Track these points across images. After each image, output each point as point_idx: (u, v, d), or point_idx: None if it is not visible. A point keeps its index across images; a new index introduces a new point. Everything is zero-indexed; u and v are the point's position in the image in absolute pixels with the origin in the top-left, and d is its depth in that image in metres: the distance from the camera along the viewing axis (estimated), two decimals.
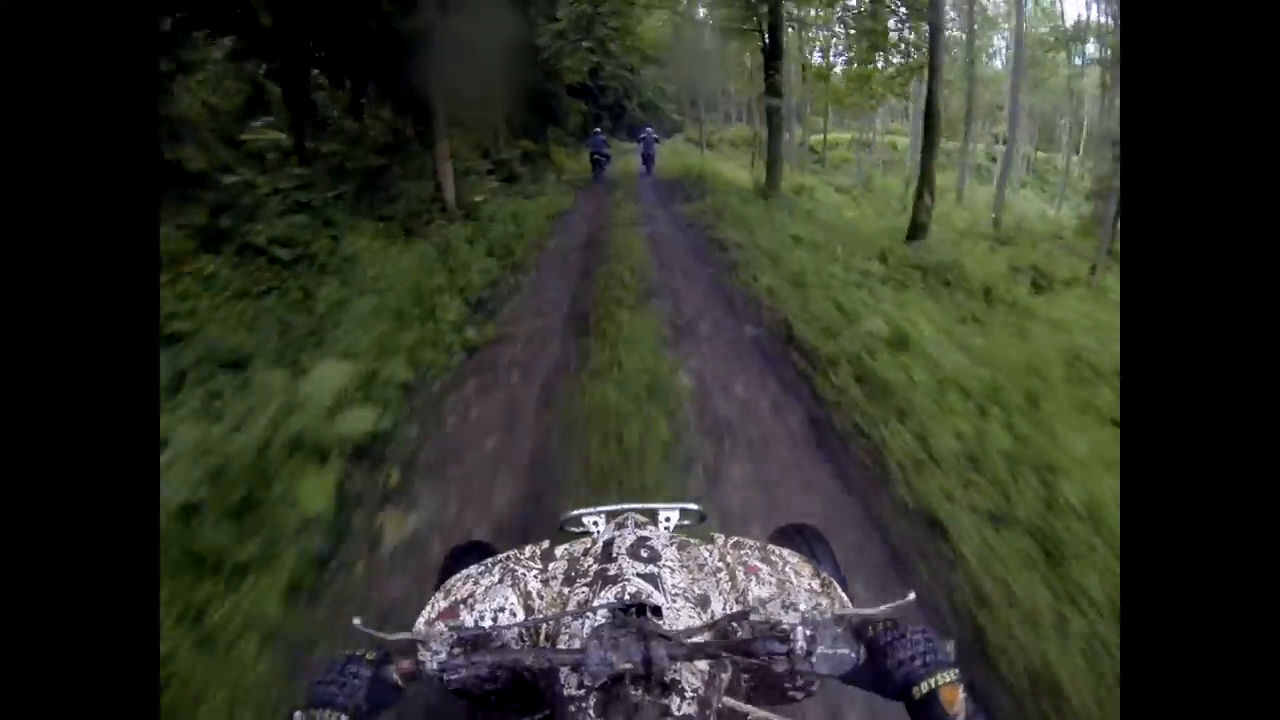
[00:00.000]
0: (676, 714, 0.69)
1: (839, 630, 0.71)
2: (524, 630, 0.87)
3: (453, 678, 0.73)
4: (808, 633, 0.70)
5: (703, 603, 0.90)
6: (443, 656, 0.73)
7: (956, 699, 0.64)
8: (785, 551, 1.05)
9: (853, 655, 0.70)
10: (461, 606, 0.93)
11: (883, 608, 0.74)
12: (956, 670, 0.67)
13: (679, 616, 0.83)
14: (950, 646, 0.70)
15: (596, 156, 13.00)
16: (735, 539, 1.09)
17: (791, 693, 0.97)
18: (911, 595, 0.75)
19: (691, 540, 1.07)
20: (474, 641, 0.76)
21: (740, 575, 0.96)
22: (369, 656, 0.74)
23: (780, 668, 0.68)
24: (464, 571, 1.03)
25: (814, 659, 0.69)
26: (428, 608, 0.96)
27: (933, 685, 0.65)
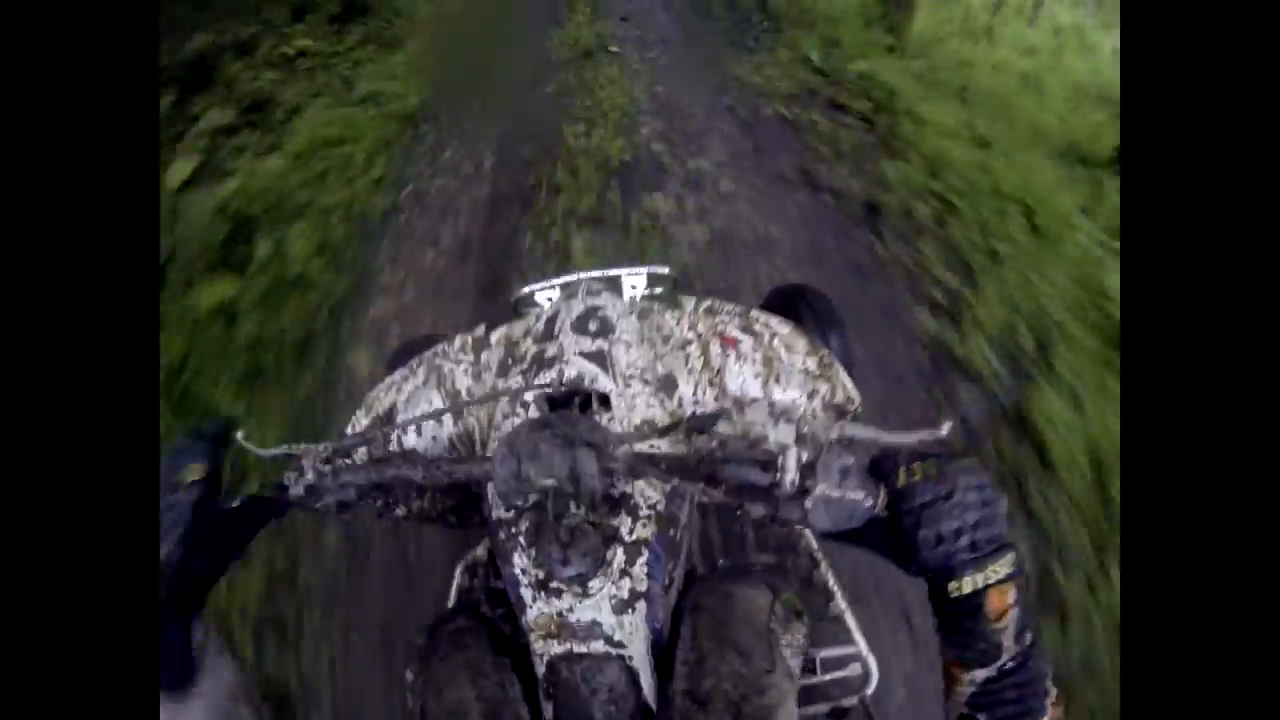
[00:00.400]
0: (628, 539, 0.55)
1: (850, 461, 0.49)
2: (452, 436, 0.71)
3: (324, 502, 0.57)
4: (804, 457, 0.48)
5: (666, 385, 0.71)
6: (310, 478, 0.56)
7: (1008, 606, 0.46)
8: (773, 320, 0.82)
9: (868, 503, 0.49)
10: (382, 422, 0.77)
11: (914, 434, 0.51)
12: (1013, 556, 0.47)
13: (634, 405, 0.65)
14: (1004, 503, 0.49)
15: None
16: (709, 302, 0.86)
17: (787, 524, 0.76)
18: (948, 426, 0.52)
19: (655, 307, 0.85)
20: (348, 455, 0.60)
21: (715, 349, 0.76)
22: (191, 477, 0.57)
23: (758, 511, 0.50)
24: (386, 380, 0.85)
25: (809, 502, 0.48)
26: (349, 427, 0.80)
27: (979, 584, 0.46)
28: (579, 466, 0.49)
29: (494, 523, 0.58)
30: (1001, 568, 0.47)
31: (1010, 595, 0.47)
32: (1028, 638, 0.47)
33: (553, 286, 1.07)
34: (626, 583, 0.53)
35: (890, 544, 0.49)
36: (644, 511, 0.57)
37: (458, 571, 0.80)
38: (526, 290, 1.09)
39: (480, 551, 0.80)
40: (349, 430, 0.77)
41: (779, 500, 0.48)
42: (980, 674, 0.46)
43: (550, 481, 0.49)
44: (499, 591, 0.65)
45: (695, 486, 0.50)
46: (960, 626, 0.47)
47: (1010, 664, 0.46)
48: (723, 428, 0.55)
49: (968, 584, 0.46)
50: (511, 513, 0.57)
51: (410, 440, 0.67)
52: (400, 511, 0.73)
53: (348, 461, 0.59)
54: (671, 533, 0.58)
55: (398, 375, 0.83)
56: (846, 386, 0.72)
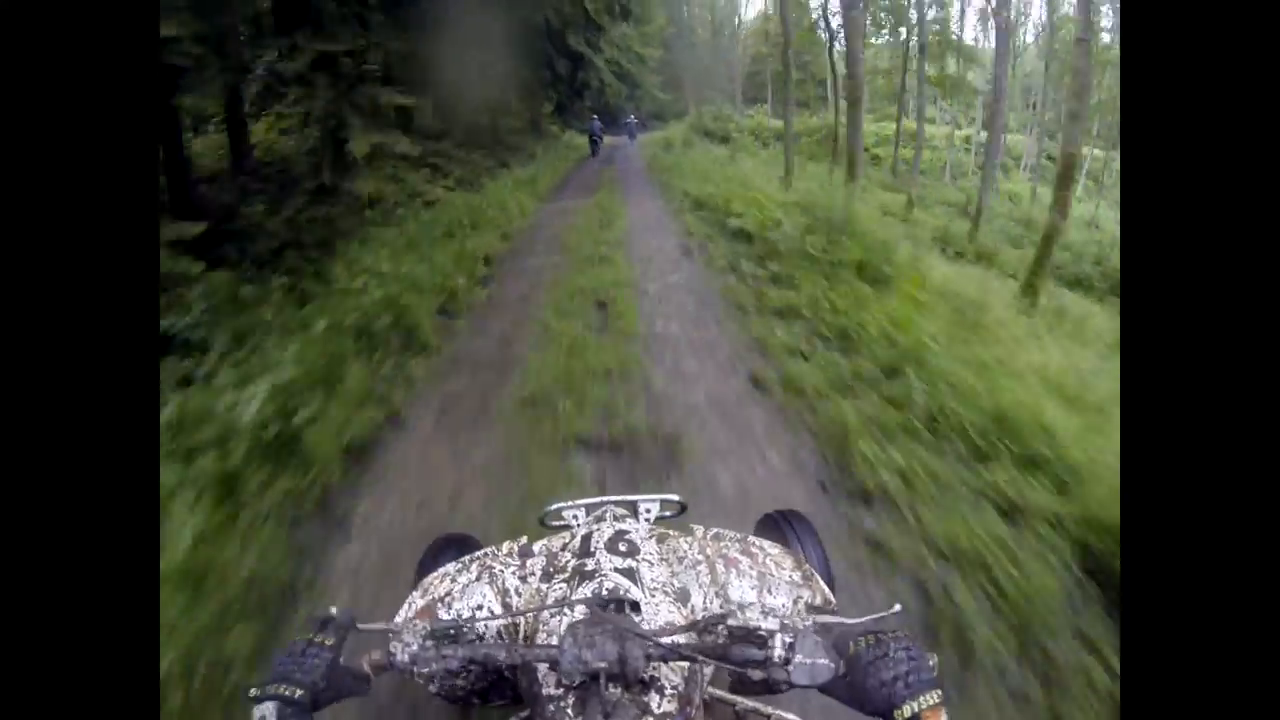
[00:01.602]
0: (656, 712, 0.68)
1: (818, 640, 0.69)
2: (502, 627, 0.86)
3: (423, 670, 0.72)
4: (786, 640, 0.68)
5: (682, 596, 0.89)
6: (414, 649, 0.72)
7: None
8: (766, 543, 1.04)
9: (831, 666, 0.67)
10: (439, 605, 0.92)
11: (866, 618, 0.73)
12: (940, 692, 0.64)
13: (658, 611, 0.82)
14: (933, 663, 0.67)
15: (594, 138, 17.18)
16: (715, 531, 1.07)
17: (774, 687, 0.95)
18: (897, 607, 0.74)
19: (671, 532, 1.05)
20: (447, 635, 0.75)
21: (720, 568, 0.95)
22: (327, 642, 0.73)
23: (756, 675, 0.67)
24: (441, 570, 1.02)
25: (791, 668, 0.66)
26: (405, 606, 0.95)
27: (916, 709, 0.62)
28: (627, 653, 0.65)
29: (543, 698, 0.72)
30: (930, 696, 0.63)
31: (941, 715, 0.63)
32: None
33: (578, 506, 1.28)
34: None
35: (850, 693, 0.68)
36: (668, 691, 0.71)
37: None
38: (554, 507, 1.29)
39: None
40: (405, 607, 0.95)
41: (770, 668, 0.67)
42: None
43: (603, 664, 0.65)
44: None
45: (712, 663, 0.68)
46: None
47: None
48: (730, 623, 0.72)
49: (908, 710, 0.63)
50: (561, 689, 0.71)
51: (450, 637, 0.81)
52: (433, 688, 0.91)
53: (440, 641, 0.74)
54: (687, 709, 0.72)
55: (451, 567, 1.01)
56: (824, 591, 0.94)
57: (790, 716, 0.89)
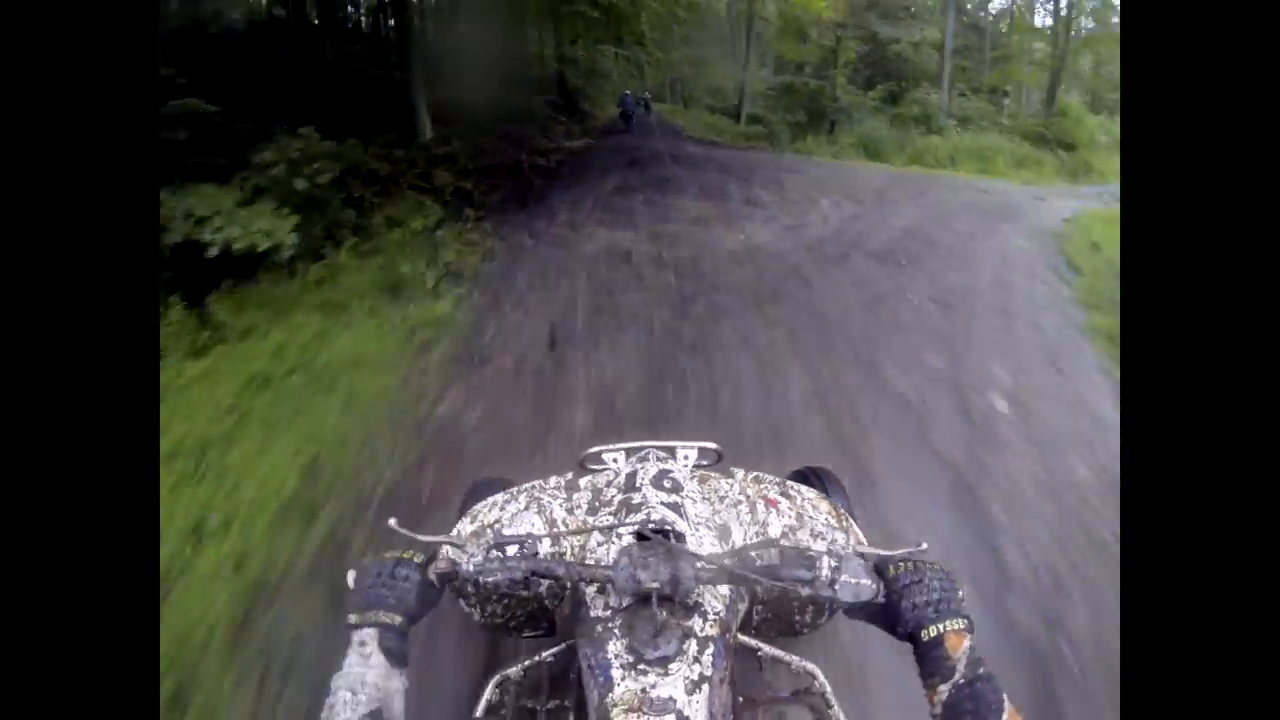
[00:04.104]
0: (699, 635, 0.70)
1: (861, 562, 0.73)
2: (552, 552, 0.88)
3: (488, 580, 0.73)
4: (833, 562, 0.72)
5: (723, 533, 0.92)
6: (479, 559, 0.74)
7: (961, 645, 0.66)
8: (803, 488, 1.08)
9: (873, 585, 0.72)
10: (488, 531, 0.94)
11: (899, 550, 0.77)
12: (966, 620, 0.68)
13: (701, 544, 0.84)
14: (963, 592, 0.71)
15: (626, 113, 17.35)
16: (755, 474, 1.11)
17: (799, 626, 0.99)
18: (924, 545, 0.77)
19: (712, 474, 1.10)
20: (510, 545, 0.77)
21: (760, 508, 0.99)
22: (416, 559, 0.75)
23: (804, 591, 0.71)
24: (489, 499, 1.04)
25: (837, 586, 0.70)
26: (454, 532, 0.96)
27: (940, 630, 0.67)
28: (680, 573, 0.68)
29: (590, 621, 0.74)
30: (956, 622, 0.68)
31: (965, 640, 0.67)
32: (980, 669, 0.65)
33: (618, 450, 1.30)
34: (697, 668, 0.68)
35: (885, 616, 0.73)
36: (710, 616, 0.73)
37: (489, 686, 0.91)
38: (594, 450, 1.30)
39: (513, 671, 0.91)
40: (454, 531, 0.98)
41: (817, 585, 0.70)
42: (944, 689, 0.64)
43: (655, 584, 0.67)
44: (528, 710, 0.86)
45: (761, 579, 0.70)
46: (929, 658, 0.67)
47: (962, 680, 0.64)
48: (782, 543, 0.77)
49: (932, 630, 0.67)
50: (608, 611, 0.73)
51: (511, 551, 0.82)
52: (477, 615, 0.93)
53: (504, 553, 0.76)
54: (726, 636, 0.74)
55: (499, 497, 1.04)
56: (857, 533, 0.99)
57: (810, 665, 0.91)
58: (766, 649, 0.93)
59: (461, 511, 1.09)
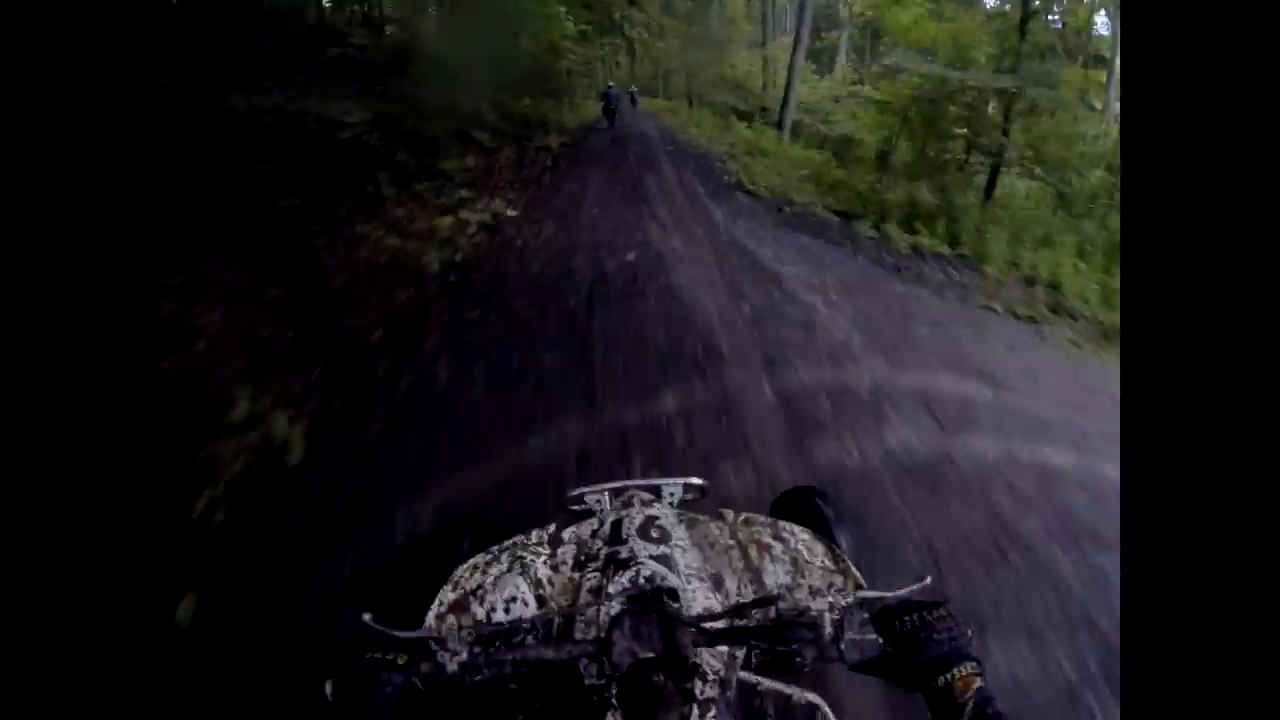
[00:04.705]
0: (700, 697, 0.68)
1: (865, 617, 0.71)
2: (539, 621, 0.85)
3: (475, 679, 0.69)
4: (835, 618, 0.70)
5: (716, 582, 0.89)
6: (463, 657, 0.70)
7: (972, 687, 0.65)
8: (795, 528, 1.04)
9: (879, 641, 0.70)
10: (471, 599, 0.91)
11: (903, 591, 0.74)
12: (975, 661, 0.67)
13: (695, 598, 0.81)
14: (971, 631, 0.70)
15: (609, 107, 16.61)
16: (745, 516, 1.07)
17: (801, 666, 0.95)
18: (928, 579, 0.75)
19: (700, 517, 1.05)
20: (492, 638, 0.74)
21: (753, 553, 0.95)
22: (400, 661, 0.69)
23: (809, 654, 0.69)
24: (470, 561, 1.00)
25: (843, 645, 0.69)
26: (436, 602, 0.93)
27: (950, 678, 0.65)
28: (677, 640, 0.65)
29: (585, 689, 0.71)
30: (965, 666, 0.66)
31: (975, 681, 0.65)
32: (989, 708, 0.63)
33: (601, 490, 1.27)
34: None
35: (895, 670, 0.70)
36: (710, 676, 0.71)
37: None
38: (577, 491, 1.28)
39: None
40: (435, 605, 0.92)
41: (822, 647, 0.68)
42: None
43: (651, 654, 0.65)
44: None
45: (762, 644, 0.69)
46: (941, 704, 0.66)
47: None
48: (780, 605, 0.73)
49: (942, 680, 0.66)
50: (603, 680, 0.70)
51: (499, 618, 0.81)
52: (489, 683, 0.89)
53: (489, 648, 0.73)
54: (728, 692, 0.72)
55: (480, 558, 1.00)
56: (855, 574, 0.95)
57: (811, 695, 0.90)
58: (766, 683, 0.92)
59: (428, 556, 1.06)
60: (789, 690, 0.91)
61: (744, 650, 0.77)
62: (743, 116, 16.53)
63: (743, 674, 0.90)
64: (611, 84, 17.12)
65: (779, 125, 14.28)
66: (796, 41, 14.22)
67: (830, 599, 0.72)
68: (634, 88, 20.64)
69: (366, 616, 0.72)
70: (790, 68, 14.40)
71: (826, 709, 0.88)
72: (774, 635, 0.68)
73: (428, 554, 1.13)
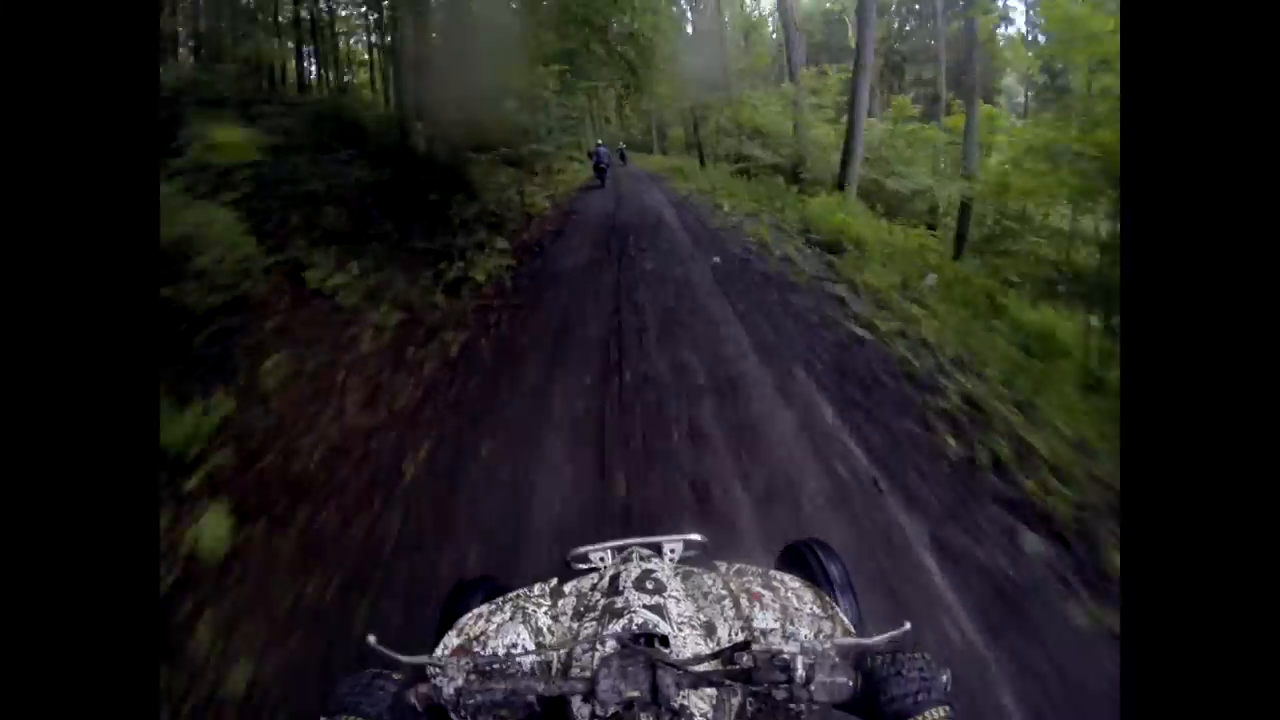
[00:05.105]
0: None
1: (837, 660, 0.74)
2: (536, 663, 0.89)
3: (468, 703, 0.74)
4: (807, 661, 0.73)
5: (709, 630, 0.92)
6: (459, 683, 0.75)
7: None
8: (787, 577, 1.08)
9: (849, 684, 0.73)
10: (474, 644, 0.95)
11: (880, 638, 0.77)
12: (947, 708, 0.68)
13: (686, 645, 0.85)
14: (946, 678, 0.71)
15: (599, 165, 15.68)
16: (738, 566, 1.12)
17: (793, 716, 0.97)
18: (907, 625, 0.78)
19: (695, 569, 1.10)
20: (489, 670, 0.78)
21: (744, 602, 0.99)
22: (395, 675, 0.76)
23: (780, 695, 0.72)
24: (475, 610, 1.05)
25: (813, 687, 0.72)
26: (440, 647, 0.98)
27: None
28: (659, 681, 0.69)
29: None
30: (937, 711, 0.66)
31: None
32: None
33: (604, 549, 1.32)
34: None
35: (865, 708, 0.72)
36: (697, 718, 0.73)
37: None
38: (581, 550, 1.33)
39: None
40: (440, 648, 0.97)
41: (793, 689, 0.71)
42: None
43: (636, 693, 0.69)
44: None
45: (739, 685, 0.73)
46: None
47: None
48: (754, 649, 0.76)
49: None
50: (594, 719, 0.72)
51: (492, 671, 0.85)
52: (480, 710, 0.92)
53: (484, 675, 0.77)
54: None
55: (485, 608, 1.05)
56: (844, 622, 0.97)
57: None
58: None
59: (444, 617, 1.11)
60: None
61: (738, 698, 0.80)
62: (776, 171, 12.15)
63: (753, 688, 0.92)
64: (600, 141, 16.70)
65: (840, 185, 9.68)
66: (858, 68, 9.57)
67: (802, 643, 0.76)
68: (622, 145, 19.79)
69: (371, 638, 0.77)
70: (852, 103, 9.82)
71: None
72: (748, 676, 0.72)
73: (443, 615, 1.20)
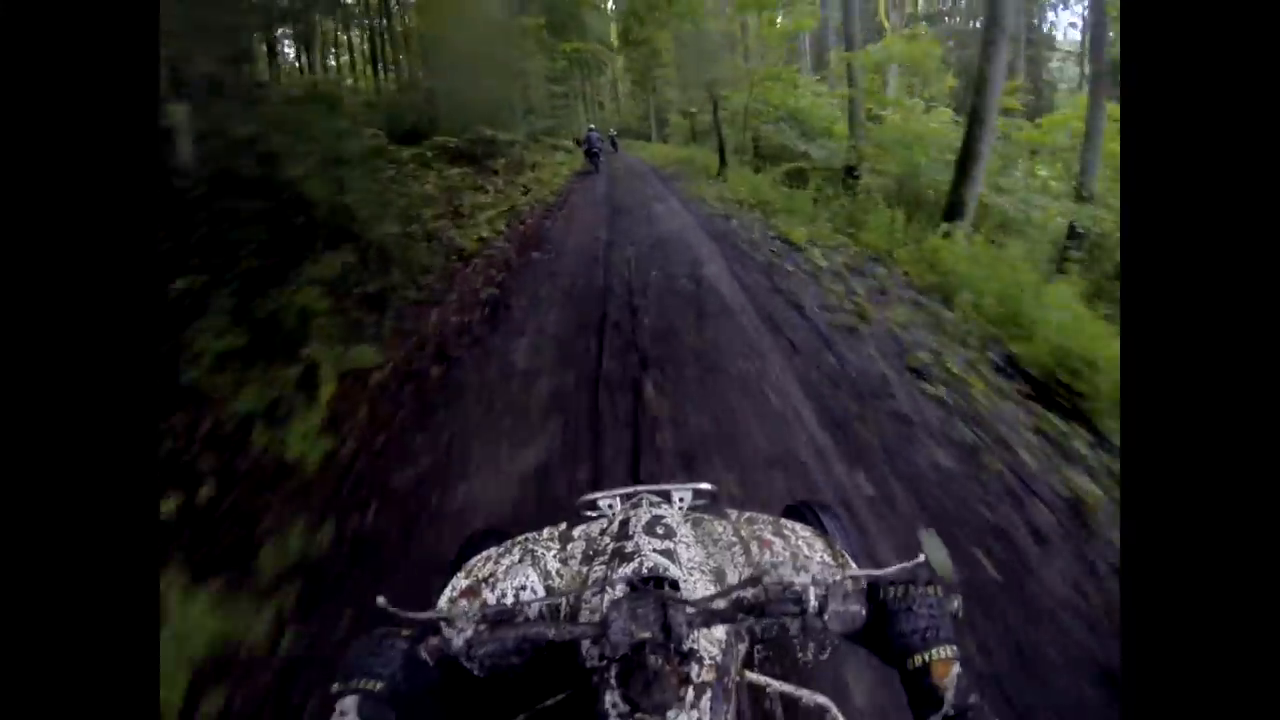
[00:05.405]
0: (696, 681, 0.70)
1: (849, 590, 0.73)
2: (545, 607, 0.88)
3: (479, 652, 0.74)
4: (820, 592, 0.71)
5: (718, 575, 0.91)
6: (469, 633, 0.74)
7: (949, 673, 0.64)
8: (798, 525, 1.07)
9: (863, 612, 0.72)
10: (483, 585, 0.94)
11: (892, 569, 0.76)
12: (954, 647, 0.66)
13: (695, 589, 0.83)
14: (957, 604, 0.70)
15: (592, 150, 15.27)
16: (748, 514, 1.10)
17: (804, 659, 0.97)
18: (921, 558, 0.77)
19: (706, 516, 1.09)
20: (498, 618, 0.77)
21: (754, 549, 0.98)
22: (404, 633, 0.75)
23: (794, 627, 0.72)
24: (484, 553, 1.04)
25: (826, 616, 0.70)
26: (449, 588, 0.96)
27: (926, 659, 0.65)
28: (671, 620, 0.68)
29: (586, 671, 0.74)
30: (944, 650, 0.65)
31: (954, 667, 0.64)
32: (970, 699, 0.63)
33: (614, 496, 1.29)
34: (695, 714, 0.68)
35: (875, 640, 0.71)
36: (707, 661, 0.73)
37: None
38: (590, 497, 1.30)
39: None
40: (449, 589, 0.96)
41: (807, 619, 0.71)
42: None
43: (647, 634, 0.67)
44: None
45: (751, 618, 0.71)
46: (916, 687, 0.65)
47: (952, 712, 0.62)
48: (766, 581, 0.74)
49: (919, 659, 0.65)
50: (603, 662, 0.72)
51: (508, 603, 0.84)
52: (479, 671, 0.91)
53: (492, 624, 0.76)
54: (724, 680, 0.73)
55: (493, 550, 1.04)
56: (853, 568, 0.96)
57: (820, 698, 0.90)
58: (775, 685, 0.92)
59: (456, 565, 1.11)
60: (799, 693, 0.92)
61: (745, 643, 0.79)
62: (798, 176, 8.94)
63: (752, 676, 0.91)
64: (592, 125, 16.43)
65: (953, 213, 6.35)
66: (992, 30, 6.26)
67: (814, 575, 0.74)
68: (614, 130, 18.90)
69: (380, 599, 0.75)
70: (980, 86, 6.31)
71: (836, 711, 0.88)
72: (761, 610, 0.71)
73: (456, 561, 1.18)
